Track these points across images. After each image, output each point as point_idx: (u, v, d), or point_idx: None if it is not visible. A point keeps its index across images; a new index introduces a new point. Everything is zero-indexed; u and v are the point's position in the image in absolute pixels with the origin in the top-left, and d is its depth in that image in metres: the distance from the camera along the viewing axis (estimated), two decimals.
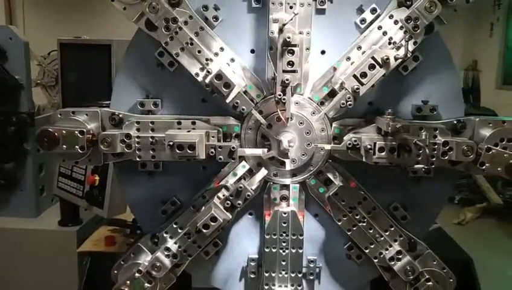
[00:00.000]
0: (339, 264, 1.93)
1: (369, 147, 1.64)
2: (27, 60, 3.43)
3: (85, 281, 2.59)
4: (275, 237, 1.78)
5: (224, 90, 1.63)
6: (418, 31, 1.66)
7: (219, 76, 1.62)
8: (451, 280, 1.84)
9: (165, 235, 1.82)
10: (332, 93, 1.75)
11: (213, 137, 1.70)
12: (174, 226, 1.82)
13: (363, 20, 1.77)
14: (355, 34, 1.77)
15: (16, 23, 9.78)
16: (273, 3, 1.66)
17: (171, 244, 1.81)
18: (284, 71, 1.62)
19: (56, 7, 10.44)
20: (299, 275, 1.82)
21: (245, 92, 1.73)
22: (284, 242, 1.79)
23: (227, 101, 1.65)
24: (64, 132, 1.65)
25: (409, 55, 1.65)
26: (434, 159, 1.68)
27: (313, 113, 1.77)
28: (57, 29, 8.31)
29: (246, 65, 1.77)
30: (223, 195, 1.71)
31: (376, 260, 1.84)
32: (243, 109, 1.70)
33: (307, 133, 1.77)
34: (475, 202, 7.09)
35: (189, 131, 1.70)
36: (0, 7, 9.82)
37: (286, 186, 1.82)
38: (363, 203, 1.80)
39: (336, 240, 1.90)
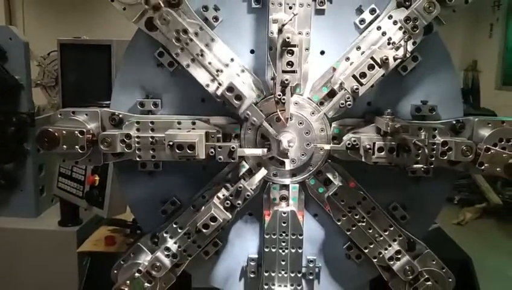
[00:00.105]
0: (339, 264, 1.93)
1: (368, 147, 1.64)
2: (27, 60, 3.44)
3: (85, 281, 2.59)
4: (274, 237, 1.79)
5: (236, 102, 1.63)
6: (417, 31, 1.66)
7: (230, 88, 1.62)
8: (450, 280, 1.84)
9: (165, 235, 1.82)
10: (331, 94, 1.75)
11: (213, 137, 1.70)
12: (174, 226, 1.82)
13: (362, 21, 1.77)
14: (355, 35, 1.78)
15: (15, 24, 9.78)
16: (272, 4, 1.66)
17: (171, 244, 1.81)
18: (284, 71, 1.62)
19: (56, 7, 10.43)
20: (299, 275, 1.82)
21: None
22: (283, 242, 1.79)
23: (239, 113, 1.65)
24: (64, 132, 1.66)
25: (408, 56, 1.66)
26: (433, 159, 1.68)
27: (313, 113, 1.78)
28: (57, 30, 8.31)
29: (246, 65, 1.77)
30: (223, 195, 1.72)
31: (375, 260, 1.85)
32: (254, 121, 1.69)
33: (307, 133, 1.78)
34: (474, 202, 7.10)
35: (189, 131, 1.70)
36: (0, 7, 9.82)
37: (286, 186, 1.82)
38: (362, 203, 1.81)
39: (336, 240, 1.91)
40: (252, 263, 1.91)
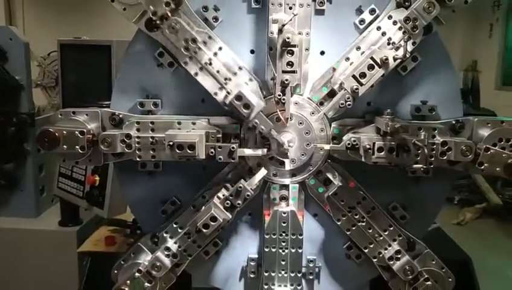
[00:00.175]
0: (338, 264, 1.93)
1: (368, 147, 1.65)
2: (27, 61, 3.43)
3: (85, 281, 2.59)
4: (274, 237, 1.79)
5: (245, 111, 1.63)
6: (417, 31, 1.66)
7: (239, 97, 1.62)
8: (450, 280, 1.85)
9: (165, 235, 1.83)
10: (331, 94, 1.76)
11: (213, 137, 1.71)
12: (174, 226, 1.82)
13: (362, 21, 1.78)
14: (355, 35, 1.78)
15: (15, 24, 9.78)
16: (272, 4, 1.66)
17: (171, 244, 1.81)
18: (284, 71, 1.63)
19: (56, 7, 10.43)
20: (299, 275, 1.83)
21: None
22: (283, 242, 1.79)
23: (248, 121, 1.65)
24: (64, 132, 1.66)
25: (407, 56, 1.66)
26: (433, 159, 1.69)
27: (312, 113, 1.78)
28: (57, 30, 8.32)
29: (246, 65, 1.78)
30: (223, 195, 1.72)
31: (375, 260, 1.85)
32: (262, 129, 1.68)
33: (306, 133, 1.78)
34: (474, 203, 7.09)
35: (189, 131, 1.70)
36: (0, 8, 9.82)
37: (285, 186, 1.83)
38: (362, 203, 1.81)
39: (335, 239, 1.91)
40: (252, 263, 1.92)
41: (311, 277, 1.92)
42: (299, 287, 1.83)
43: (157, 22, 1.63)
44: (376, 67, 1.63)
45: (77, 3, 10.22)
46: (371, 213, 1.82)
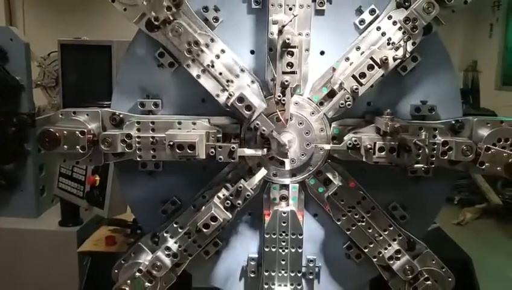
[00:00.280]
0: (338, 263, 1.93)
1: (369, 146, 1.65)
2: (28, 61, 3.44)
3: (85, 281, 2.60)
4: (274, 237, 1.79)
5: (247, 112, 1.63)
6: (417, 31, 1.67)
7: (241, 99, 1.63)
8: (450, 279, 1.85)
9: (165, 234, 1.83)
10: (331, 94, 1.76)
11: (213, 137, 1.71)
12: (175, 225, 1.83)
13: (362, 21, 1.78)
14: (354, 35, 1.78)
15: (15, 24, 9.79)
16: (272, 5, 1.67)
17: (172, 243, 1.81)
18: (284, 72, 1.63)
19: (56, 8, 10.44)
20: (299, 275, 1.83)
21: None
22: (283, 242, 1.80)
23: (250, 123, 1.66)
24: (65, 132, 1.66)
25: (407, 56, 1.67)
26: (434, 158, 1.69)
27: (312, 113, 1.78)
28: (57, 30, 8.32)
29: (246, 66, 1.78)
30: (223, 195, 1.72)
31: (375, 259, 1.85)
32: (264, 130, 1.68)
33: (306, 133, 1.78)
34: (474, 203, 7.10)
35: (189, 131, 1.71)
36: (0, 8, 9.82)
37: (285, 186, 1.83)
38: (362, 203, 1.81)
39: (335, 239, 1.91)
40: (252, 263, 1.92)
41: (311, 277, 1.92)
42: (299, 287, 1.83)
43: (160, 26, 1.64)
44: (376, 67, 1.64)
45: (77, 3, 10.23)
46: (371, 213, 1.82)
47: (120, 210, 2.89)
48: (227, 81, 1.70)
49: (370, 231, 1.83)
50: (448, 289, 1.85)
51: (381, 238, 1.83)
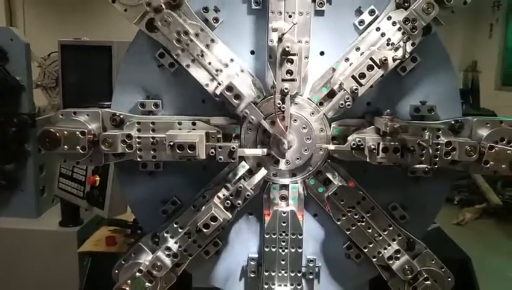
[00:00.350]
0: (338, 263, 1.94)
1: (373, 147, 1.65)
2: (28, 61, 3.44)
3: (86, 281, 2.60)
4: (274, 237, 1.80)
5: (235, 101, 1.64)
6: (416, 32, 1.67)
7: (230, 88, 1.63)
8: (449, 279, 1.85)
9: (165, 234, 1.83)
10: (331, 94, 1.76)
11: (213, 137, 1.71)
12: (175, 225, 1.83)
13: (361, 22, 1.78)
14: (354, 36, 1.79)
15: (16, 25, 9.79)
16: (272, 12, 1.67)
17: (172, 243, 1.82)
18: (283, 80, 1.64)
19: (56, 8, 10.44)
20: (299, 275, 1.83)
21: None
22: (283, 242, 1.80)
23: (238, 111, 1.66)
24: (65, 132, 1.67)
25: (407, 56, 1.67)
26: (437, 159, 1.69)
27: (312, 113, 1.79)
28: (57, 30, 8.34)
29: (246, 66, 1.78)
30: (223, 195, 1.73)
31: (375, 259, 1.85)
32: (252, 119, 1.70)
33: (306, 134, 1.78)
34: (474, 203, 7.10)
35: (189, 131, 1.71)
36: (0, 8, 9.83)
37: (285, 186, 1.83)
38: (362, 203, 1.82)
39: (335, 239, 1.91)
40: (252, 263, 1.92)
41: (311, 277, 1.93)
42: (299, 287, 1.83)
43: (151, 14, 1.64)
44: (375, 67, 1.64)
45: (78, 4, 10.23)
46: (371, 213, 1.83)
47: (120, 210, 2.90)
48: (217, 70, 1.70)
49: (370, 231, 1.83)
50: (447, 289, 1.85)
51: (380, 238, 1.84)
